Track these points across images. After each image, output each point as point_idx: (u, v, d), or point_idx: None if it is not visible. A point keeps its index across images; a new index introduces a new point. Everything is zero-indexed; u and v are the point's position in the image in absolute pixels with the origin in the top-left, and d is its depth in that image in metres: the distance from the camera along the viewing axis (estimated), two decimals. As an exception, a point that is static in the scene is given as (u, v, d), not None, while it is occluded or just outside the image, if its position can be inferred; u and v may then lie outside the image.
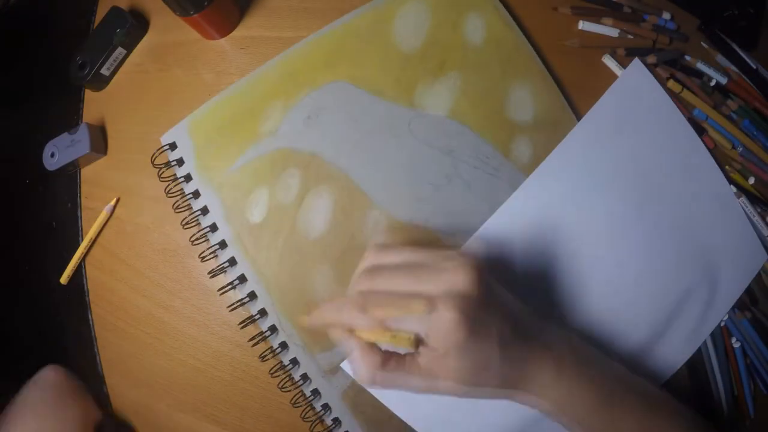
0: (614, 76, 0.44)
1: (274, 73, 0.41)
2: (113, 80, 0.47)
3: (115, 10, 0.45)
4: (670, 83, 0.45)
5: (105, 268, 0.45)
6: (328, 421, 0.39)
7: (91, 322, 0.45)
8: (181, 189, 0.41)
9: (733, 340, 0.43)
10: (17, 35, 0.53)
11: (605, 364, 0.34)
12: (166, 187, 0.41)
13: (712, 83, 0.47)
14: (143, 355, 0.43)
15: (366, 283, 0.31)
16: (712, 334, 0.42)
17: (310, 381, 0.38)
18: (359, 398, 0.38)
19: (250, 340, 0.39)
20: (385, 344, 0.30)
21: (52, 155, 0.45)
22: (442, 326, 0.28)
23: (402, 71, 0.41)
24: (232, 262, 0.39)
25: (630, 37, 0.45)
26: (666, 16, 0.47)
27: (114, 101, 0.47)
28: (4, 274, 0.50)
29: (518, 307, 0.32)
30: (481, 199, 0.40)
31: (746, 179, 0.45)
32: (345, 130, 0.40)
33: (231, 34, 0.45)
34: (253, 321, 0.39)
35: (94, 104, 0.48)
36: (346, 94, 0.41)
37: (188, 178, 0.41)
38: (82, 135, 0.44)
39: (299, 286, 0.39)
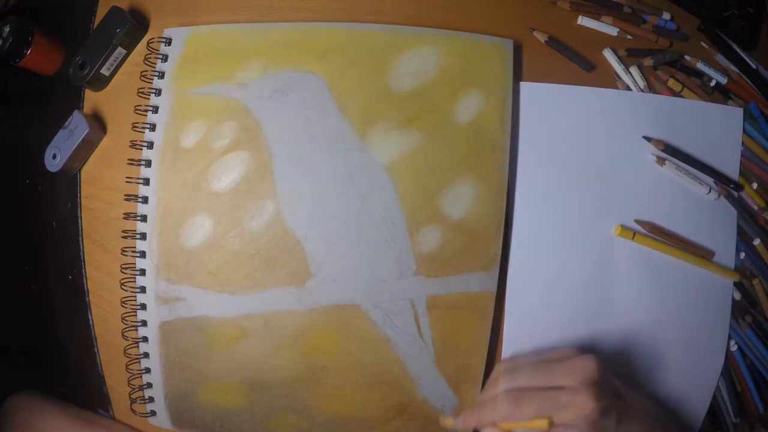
0: (615, 72, 0.44)
1: (276, 34, 0.43)
2: (114, 80, 0.47)
3: (115, 10, 0.45)
4: (671, 82, 0.45)
5: (105, 268, 0.45)
6: (139, 334, 0.42)
7: (91, 322, 0.45)
8: (153, 79, 0.44)
9: (731, 343, 0.43)
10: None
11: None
12: (144, 71, 0.44)
13: (712, 83, 0.47)
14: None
15: (508, 383, 0.36)
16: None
17: (145, 294, 0.42)
18: (171, 336, 0.41)
19: (123, 232, 0.43)
20: (521, 429, 0.35)
21: (54, 156, 0.45)
22: (580, 411, 0.33)
23: (376, 102, 0.41)
24: (148, 164, 0.42)
25: (629, 38, 0.45)
26: (666, 16, 0.47)
27: (115, 101, 0.47)
28: (4, 275, 0.50)
29: (620, 383, 0.37)
30: (362, 254, 0.40)
31: (749, 183, 0.45)
32: (294, 120, 0.41)
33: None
34: (134, 217, 0.42)
35: (94, 104, 0.48)
36: (317, 91, 0.41)
37: (161, 75, 0.43)
38: (77, 121, 0.45)
39: (180, 219, 0.42)
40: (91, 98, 0.48)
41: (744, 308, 0.44)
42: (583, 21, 0.45)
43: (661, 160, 0.43)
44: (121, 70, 0.47)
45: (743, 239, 0.44)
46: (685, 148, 0.43)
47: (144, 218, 0.42)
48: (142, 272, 0.42)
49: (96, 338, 0.45)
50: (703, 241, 0.43)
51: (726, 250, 0.44)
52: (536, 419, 0.34)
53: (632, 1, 0.47)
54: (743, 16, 0.49)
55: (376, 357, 0.40)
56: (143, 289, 0.42)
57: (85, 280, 0.46)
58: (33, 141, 0.48)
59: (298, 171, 0.41)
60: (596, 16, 0.45)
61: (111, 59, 0.46)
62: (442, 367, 0.40)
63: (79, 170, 0.47)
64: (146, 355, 0.42)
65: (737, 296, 0.43)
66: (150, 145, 0.42)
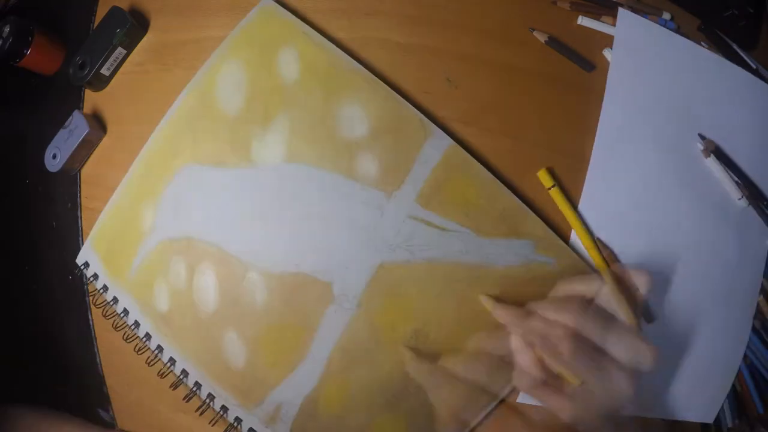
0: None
1: (136, 176, 0.45)
2: (113, 80, 0.47)
3: (115, 10, 0.46)
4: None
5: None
6: None
7: (91, 322, 0.45)
8: (105, 298, 0.44)
9: None
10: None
11: None
12: (94, 300, 0.45)
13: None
14: (143, 355, 0.43)
15: (573, 323, 0.34)
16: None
17: None
18: None
19: (197, 410, 0.41)
20: (556, 370, 0.34)
21: (54, 156, 0.45)
22: (617, 391, 0.33)
23: (234, 135, 0.42)
24: (159, 349, 0.42)
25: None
26: (666, 16, 0.47)
27: (114, 101, 0.47)
28: (5, 275, 0.50)
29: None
30: (340, 228, 0.40)
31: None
32: (204, 208, 0.42)
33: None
34: (194, 394, 0.42)
35: (94, 104, 0.48)
36: (195, 176, 0.43)
37: (105, 288, 0.44)
38: (77, 121, 0.45)
39: (216, 355, 0.41)
40: (91, 98, 0.48)
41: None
42: (583, 21, 0.45)
43: (706, 152, 0.43)
44: (121, 69, 0.47)
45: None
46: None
47: (198, 385, 0.42)
48: (238, 421, 0.41)
49: (96, 338, 0.45)
50: (728, 239, 0.44)
51: (753, 257, 0.44)
52: (572, 374, 0.33)
53: (632, 1, 0.47)
54: (743, 16, 0.49)
55: (438, 280, 0.40)
56: (238, 420, 0.41)
57: (85, 280, 0.46)
58: (33, 141, 0.48)
59: (244, 232, 0.42)
60: (596, 16, 0.45)
61: (111, 59, 0.46)
62: (487, 232, 0.40)
63: (79, 170, 0.47)
64: None
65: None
66: (148, 336, 0.43)
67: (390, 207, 0.40)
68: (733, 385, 0.43)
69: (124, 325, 0.44)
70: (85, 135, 0.45)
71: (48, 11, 0.52)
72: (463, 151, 0.41)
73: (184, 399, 0.42)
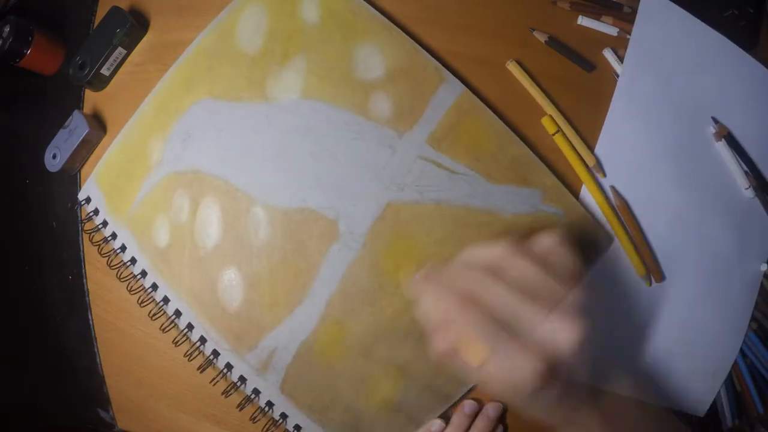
0: (615, 72, 0.44)
1: (148, 111, 0.45)
2: (114, 80, 0.47)
3: (115, 10, 0.46)
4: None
5: (105, 268, 0.45)
6: (277, 417, 0.40)
7: (91, 322, 0.45)
8: (103, 235, 0.45)
9: None
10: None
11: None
12: (90, 237, 0.45)
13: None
14: (143, 355, 0.43)
15: (483, 276, 0.30)
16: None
17: (247, 381, 0.40)
18: (296, 389, 0.40)
19: (186, 355, 0.41)
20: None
21: (54, 156, 0.45)
22: (515, 372, 0.28)
23: (251, 72, 0.43)
24: (154, 287, 0.42)
25: (629, 37, 0.45)
26: (666, 15, 0.47)
27: (115, 101, 0.47)
28: (5, 274, 0.50)
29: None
30: (350, 165, 0.41)
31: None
32: (215, 141, 0.43)
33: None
34: (184, 336, 0.41)
35: (94, 104, 0.48)
36: (209, 110, 0.43)
37: (104, 223, 0.45)
38: (77, 121, 0.45)
39: (213, 294, 0.41)
40: (91, 98, 0.48)
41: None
42: (583, 21, 0.45)
43: (718, 136, 0.43)
44: (121, 69, 0.47)
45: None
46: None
47: (190, 326, 0.42)
48: (228, 366, 0.41)
49: (96, 338, 0.45)
50: (732, 232, 0.44)
51: (755, 248, 0.44)
52: (478, 347, 0.28)
53: (632, 1, 0.47)
54: (743, 16, 0.49)
55: (445, 223, 0.39)
56: (242, 379, 0.41)
57: (85, 280, 0.46)
58: (33, 141, 0.48)
59: (252, 165, 0.42)
60: (596, 16, 0.45)
61: (111, 59, 0.46)
62: (496, 178, 0.40)
63: (79, 170, 0.47)
64: (297, 427, 0.40)
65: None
66: (143, 274, 0.43)
67: (401, 146, 0.41)
68: (733, 385, 0.43)
69: (120, 263, 0.44)
70: (85, 135, 0.45)
71: (48, 11, 0.52)
72: (476, 97, 0.41)
73: (174, 342, 0.41)
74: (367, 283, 0.40)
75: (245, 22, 0.44)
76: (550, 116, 0.41)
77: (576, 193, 0.41)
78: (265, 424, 0.40)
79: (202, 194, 0.42)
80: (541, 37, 0.44)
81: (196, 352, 0.41)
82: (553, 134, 0.41)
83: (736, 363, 0.43)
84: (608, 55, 0.44)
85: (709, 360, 0.42)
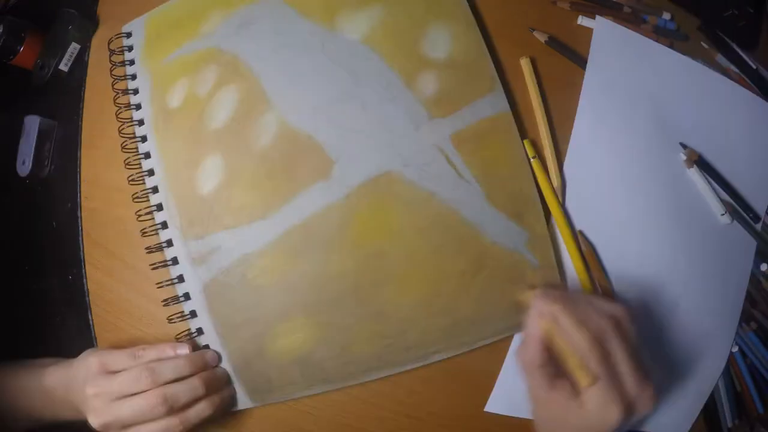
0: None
1: None
2: (99, 79, 0.47)
3: (64, 11, 0.48)
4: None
5: (105, 268, 0.45)
6: (186, 311, 0.40)
7: (91, 322, 0.45)
8: (124, 72, 0.46)
9: (732, 344, 0.43)
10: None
11: None
12: (111, 67, 0.46)
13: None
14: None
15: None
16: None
17: (178, 265, 0.41)
18: (218, 296, 0.40)
19: (137, 212, 0.42)
20: (565, 362, 0.33)
21: (23, 162, 0.48)
22: (608, 409, 0.31)
23: None
24: (143, 139, 0.43)
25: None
26: (666, 16, 0.47)
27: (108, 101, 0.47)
28: (5, 275, 0.50)
29: None
30: (373, 121, 0.41)
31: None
32: (267, 41, 0.43)
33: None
34: (146, 195, 0.42)
35: (88, 103, 0.48)
36: (277, 10, 0.44)
37: (132, 62, 0.46)
38: (28, 124, 0.48)
39: (191, 170, 0.42)
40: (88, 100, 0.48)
41: (748, 313, 0.44)
42: (583, 21, 0.45)
43: (689, 162, 0.43)
44: (99, 71, 0.48)
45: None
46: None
47: (155, 189, 0.42)
48: (169, 243, 0.42)
49: (96, 338, 0.45)
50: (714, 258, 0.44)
51: (735, 277, 0.44)
52: (585, 371, 0.31)
53: (632, 1, 0.47)
54: (743, 16, 0.49)
55: (429, 216, 0.40)
56: (175, 261, 0.41)
57: (85, 280, 0.46)
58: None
59: (287, 77, 0.42)
60: (596, 17, 0.45)
61: (66, 56, 0.48)
62: (495, 201, 0.40)
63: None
64: (200, 331, 0.40)
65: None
66: (140, 122, 0.44)
67: (426, 128, 0.41)
68: (733, 385, 0.43)
69: (126, 105, 0.45)
70: (39, 128, 0.47)
71: (49, 12, 0.52)
72: (513, 121, 0.41)
73: (133, 196, 0.42)
74: (331, 233, 0.40)
75: None
76: (531, 140, 0.42)
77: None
78: (173, 313, 0.41)
79: (230, 78, 0.43)
80: (541, 37, 0.44)
81: (149, 215, 0.42)
82: (531, 158, 0.41)
83: (736, 364, 0.43)
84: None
85: (689, 385, 0.42)
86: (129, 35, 0.47)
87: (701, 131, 0.44)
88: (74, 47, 0.48)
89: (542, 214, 0.40)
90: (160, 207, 0.42)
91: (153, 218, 0.42)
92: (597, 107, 0.43)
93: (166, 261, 0.41)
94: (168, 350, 0.38)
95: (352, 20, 0.43)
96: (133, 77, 0.45)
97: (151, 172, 0.42)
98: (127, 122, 0.44)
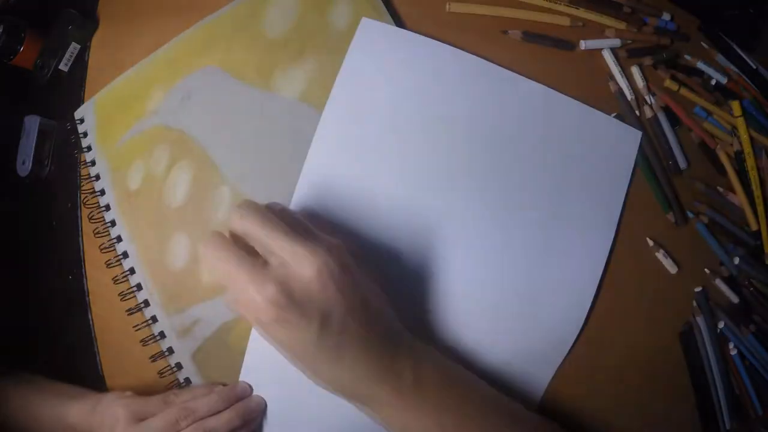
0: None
1: (161, 59, 0.47)
2: (99, 79, 0.48)
3: (65, 12, 0.48)
4: (667, 82, 0.45)
5: (105, 268, 0.45)
6: (182, 380, 0.42)
7: (91, 322, 0.45)
8: (84, 158, 0.47)
9: (731, 346, 0.43)
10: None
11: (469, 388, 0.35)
12: (75, 153, 0.47)
13: (713, 83, 0.46)
14: (143, 356, 0.43)
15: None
16: (712, 343, 0.42)
17: (165, 338, 0.42)
18: (206, 361, 0.41)
19: (120, 294, 0.43)
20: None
21: (23, 162, 0.48)
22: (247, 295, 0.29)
23: (264, 57, 0.44)
24: (113, 223, 0.45)
25: (629, 42, 0.45)
26: (666, 16, 0.47)
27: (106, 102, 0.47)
28: (4, 274, 0.50)
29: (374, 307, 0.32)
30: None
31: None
32: (209, 110, 0.44)
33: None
34: (125, 276, 0.44)
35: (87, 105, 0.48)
36: (214, 78, 0.44)
37: (89, 148, 0.47)
38: (28, 124, 0.48)
39: (161, 250, 0.43)
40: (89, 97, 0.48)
41: (746, 315, 0.43)
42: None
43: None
44: (100, 71, 0.49)
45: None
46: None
47: (132, 270, 0.44)
48: (154, 319, 0.43)
49: (96, 338, 0.45)
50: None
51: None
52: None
53: (632, 1, 0.46)
54: (743, 16, 0.49)
55: None
56: (162, 335, 0.42)
57: (85, 280, 0.46)
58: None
59: (231, 145, 0.43)
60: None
61: (66, 56, 0.48)
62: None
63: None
64: (188, 381, 0.42)
65: (734, 299, 0.43)
66: (107, 208, 0.45)
67: None
68: (732, 387, 0.43)
69: (91, 190, 0.46)
70: (39, 128, 0.47)
71: (50, 13, 0.52)
72: None
73: (113, 280, 0.44)
74: None
75: (278, 4, 0.44)
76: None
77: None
78: (171, 382, 0.42)
79: (181, 155, 0.43)
80: (516, 36, 0.43)
81: (131, 294, 0.43)
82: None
83: (735, 366, 0.43)
84: (607, 56, 0.44)
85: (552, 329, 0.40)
86: (82, 121, 0.48)
87: (474, 122, 0.42)
88: (74, 47, 0.48)
89: None
90: (139, 287, 0.43)
91: (135, 297, 0.43)
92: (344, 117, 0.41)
93: (154, 336, 0.42)
94: (200, 390, 0.39)
95: (287, 78, 0.43)
96: (93, 163, 0.46)
97: (125, 255, 0.44)
98: (96, 208, 0.45)
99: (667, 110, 0.44)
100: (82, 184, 0.46)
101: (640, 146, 0.42)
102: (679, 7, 0.48)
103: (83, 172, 0.46)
